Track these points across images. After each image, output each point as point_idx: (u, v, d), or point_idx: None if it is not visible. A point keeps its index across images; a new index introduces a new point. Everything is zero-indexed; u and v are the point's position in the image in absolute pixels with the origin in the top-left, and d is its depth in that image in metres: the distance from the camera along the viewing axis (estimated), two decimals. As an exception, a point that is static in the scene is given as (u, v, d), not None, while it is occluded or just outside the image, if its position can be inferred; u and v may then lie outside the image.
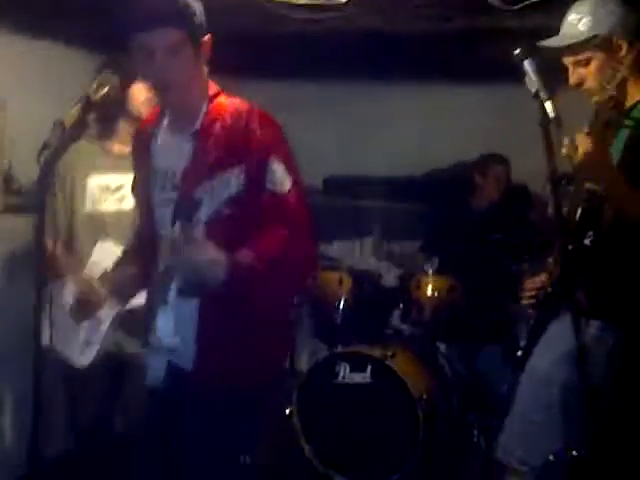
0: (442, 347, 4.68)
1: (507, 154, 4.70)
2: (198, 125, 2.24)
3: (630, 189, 2.39)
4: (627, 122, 2.50)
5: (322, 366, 4.27)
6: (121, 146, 3.15)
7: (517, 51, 2.39)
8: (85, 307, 3.10)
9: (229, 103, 2.27)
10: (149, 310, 2.36)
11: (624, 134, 2.51)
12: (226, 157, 2.19)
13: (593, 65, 2.57)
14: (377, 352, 4.19)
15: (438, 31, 3.91)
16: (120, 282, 2.56)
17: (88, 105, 2.03)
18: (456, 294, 4.39)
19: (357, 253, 5.23)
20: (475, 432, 4.16)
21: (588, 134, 2.40)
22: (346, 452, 4.14)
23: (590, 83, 2.59)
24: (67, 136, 1.97)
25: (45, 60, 3.87)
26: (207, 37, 2.20)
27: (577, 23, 2.57)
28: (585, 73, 2.60)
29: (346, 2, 3.41)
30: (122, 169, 2.92)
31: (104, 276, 2.83)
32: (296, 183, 2.22)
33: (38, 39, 3.82)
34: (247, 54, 4.84)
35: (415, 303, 4.46)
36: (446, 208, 4.86)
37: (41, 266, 2.00)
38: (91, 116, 2.07)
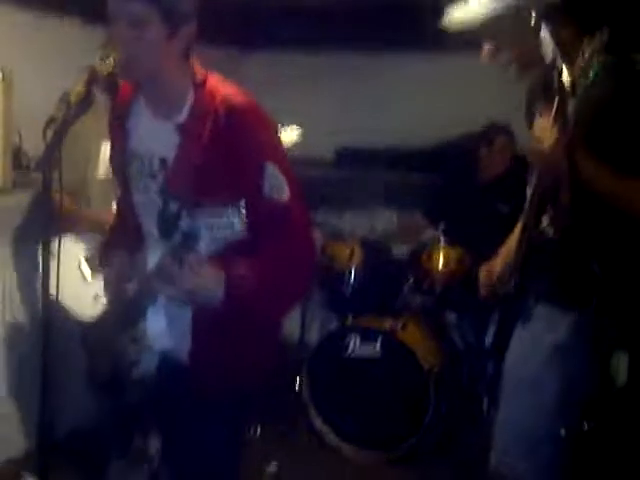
0: (452, 318, 4.67)
1: (514, 124, 4.65)
2: (185, 116, 2.10)
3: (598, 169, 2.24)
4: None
5: (332, 338, 4.29)
6: None
7: (532, 22, 2.35)
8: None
9: (221, 93, 2.09)
10: (136, 305, 2.24)
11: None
12: (217, 160, 2.04)
13: (506, 36, 2.45)
14: (387, 324, 4.20)
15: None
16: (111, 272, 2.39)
17: (93, 78, 1.99)
18: (466, 265, 4.37)
19: (368, 224, 5.20)
20: (485, 402, 4.16)
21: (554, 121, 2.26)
22: (356, 423, 4.16)
23: (504, 54, 2.49)
24: (73, 110, 1.94)
25: (52, 33, 3.85)
26: (190, 26, 2.05)
27: None
28: (495, 47, 2.49)
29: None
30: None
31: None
32: (294, 187, 2.08)
33: (45, 12, 3.79)
34: (255, 25, 4.82)
35: (426, 274, 4.45)
36: (453, 179, 4.83)
37: (47, 226, 1.96)
38: (97, 88, 2.04)
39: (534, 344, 2.44)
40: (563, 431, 2.39)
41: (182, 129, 2.10)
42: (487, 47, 2.48)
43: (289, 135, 3.36)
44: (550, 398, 2.40)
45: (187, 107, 2.10)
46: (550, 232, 2.37)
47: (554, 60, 2.25)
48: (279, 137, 2.20)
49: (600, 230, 2.34)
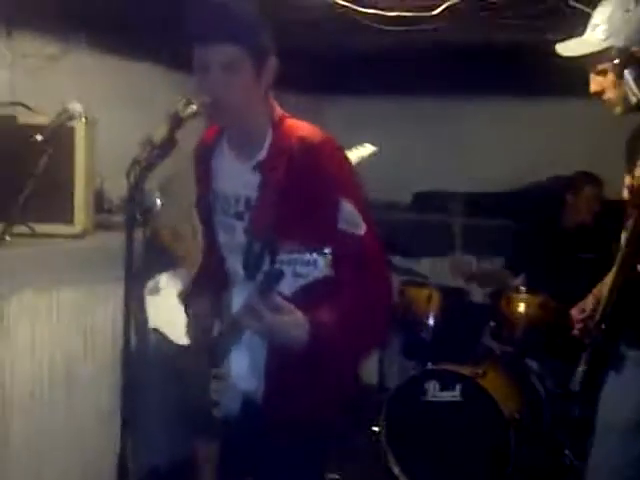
0: (534, 364, 4.58)
1: (602, 169, 4.58)
2: (264, 155, 2.11)
3: None
4: None
5: (411, 384, 4.24)
6: None
7: (616, 61, 2.31)
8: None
9: (297, 130, 2.10)
10: (220, 346, 2.24)
11: None
12: (294, 198, 2.04)
13: (609, 77, 2.37)
14: (467, 370, 4.13)
15: (531, 43, 3.84)
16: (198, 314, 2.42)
17: (177, 122, 2.04)
18: (548, 311, 4.29)
19: (446, 270, 5.16)
20: (567, 453, 4.05)
21: None
22: (435, 471, 4.09)
23: (609, 94, 2.40)
24: (156, 152, 1.99)
25: (136, 78, 3.95)
26: (272, 59, 2.08)
27: (594, 30, 2.38)
28: (604, 83, 2.41)
29: (436, 15, 3.38)
30: None
31: None
32: (370, 225, 2.05)
33: (129, 58, 3.91)
34: (334, 69, 4.87)
35: (506, 320, 4.38)
36: (536, 224, 4.76)
37: (130, 271, 1.99)
38: (180, 132, 2.08)
39: (627, 390, 2.40)
40: None
41: (262, 168, 2.11)
42: (596, 80, 2.44)
43: (363, 152, 3.38)
44: None
45: (266, 145, 2.12)
46: None
47: (638, 103, 2.21)
48: (355, 174, 2.17)
49: None
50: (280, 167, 2.07)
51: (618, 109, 2.42)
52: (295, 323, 1.96)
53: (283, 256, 1.88)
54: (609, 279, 2.47)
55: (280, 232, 1.98)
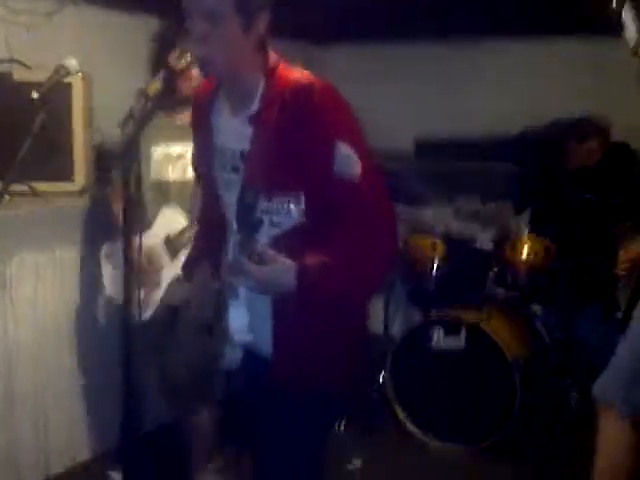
0: (538, 310, 4.60)
1: (607, 111, 4.52)
2: (256, 107, 2.07)
3: None
4: None
5: (416, 331, 4.27)
6: (183, 116, 3.17)
7: (614, 3, 2.26)
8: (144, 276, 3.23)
9: (290, 78, 2.06)
10: (219, 299, 2.26)
11: None
12: (287, 146, 2.00)
13: None
14: (471, 316, 4.15)
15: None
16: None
17: (171, 74, 2.02)
18: (551, 256, 4.29)
19: (450, 217, 5.15)
20: (573, 396, 4.09)
21: None
22: (441, 417, 4.13)
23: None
24: (151, 106, 1.97)
25: (131, 32, 3.91)
26: (264, 13, 2.02)
27: None
28: None
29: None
30: (184, 139, 2.93)
31: (167, 240, 3.21)
32: (369, 167, 2.01)
33: (123, 11, 3.87)
34: (334, 17, 4.81)
35: (510, 266, 4.39)
36: (540, 168, 4.73)
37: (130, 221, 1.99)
38: (173, 85, 2.06)
39: None
40: None
41: (254, 120, 2.08)
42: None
43: None
44: None
45: (258, 96, 2.08)
46: None
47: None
48: (352, 116, 2.09)
49: None
50: (273, 116, 2.04)
51: None
52: (281, 269, 1.95)
53: (262, 205, 1.88)
54: None
55: (274, 182, 1.97)
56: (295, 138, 2.01)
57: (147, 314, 3.26)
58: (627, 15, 2.20)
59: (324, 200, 1.92)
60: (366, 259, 2.03)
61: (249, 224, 1.90)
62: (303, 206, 1.85)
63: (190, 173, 2.82)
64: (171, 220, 3.31)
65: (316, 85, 2.03)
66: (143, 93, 1.98)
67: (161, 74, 2.01)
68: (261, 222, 1.87)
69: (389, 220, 2.12)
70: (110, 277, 3.40)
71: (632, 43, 2.14)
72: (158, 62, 3.15)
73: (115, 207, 3.38)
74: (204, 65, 2.02)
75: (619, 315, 2.74)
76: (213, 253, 2.36)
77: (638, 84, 2.31)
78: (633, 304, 2.66)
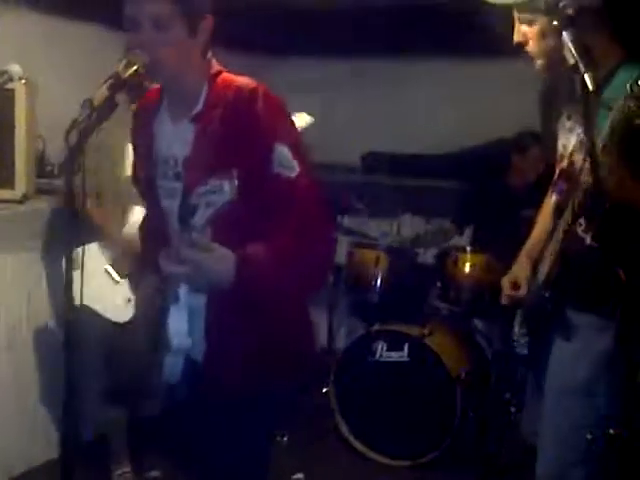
0: (480, 325, 4.64)
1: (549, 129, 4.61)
2: (198, 109, 2.10)
3: None
4: (607, 101, 2.21)
5: (359, 344, 4.28)
6: None
7: (554, 22, 2.27)
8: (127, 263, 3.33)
9: (232, 82, 2.10)
10: (161, 307, 2.22)
11: (604, 115, 2.22)
12: (227, 144, 2.04)
13: (535, 28, 2.37)
14: (414, 330, 4.18)
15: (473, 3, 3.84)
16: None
17: (117, 83, 2.00)
18: (493, 271, 4.34)
19: (394, 231, 5.19)
20: (512, 410, 4.13)
21: (604, 148, 2.17)
22: (383, 430, 4.14)
23: (533, 46, 2.40)
24: (96, 115, 1.95)
25: (76, 39, 3.87)
26: (207, 18, 2.06)
27: None
28: (529, 34, 2.40)
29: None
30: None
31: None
32: (305, 169, 2.06)
33: (69, 19, 3.82)
34: (283, 31, 4.82)
35: (452, 281, 4.43)
36: (482, 185, 4.80)
37: (71, 233, 1.95)
38: (120, 95, 2.04)
39: (583, 354, 2.40)
40: (590, 435, 2.35)
41: (196, 121, 2.10)
42: (521, 30, 2.43)
43: (299, 121, 3.38)
44: (599, 406, 2.37)
45: (201, 100, 2.11)
46: (587, 240, 2.32)
47: (576, 65, 2.21)
48: (291, 120, 2.15)
49: (627, 238, 2.31)
50: (215, 119, 2.07)
51: (540, 62, 2.42)
52: (220, 258, 1.95)
53: (197, 190, 1.90)
54: (551, 250, 2.47)
55: (210, 170, 1.97)
56: (237, 139, 2.04)
57: (127, 314, 3.31)
58: (567, 35, 2.25)
59: (262, 195, 1.95)
60: (303, 256, 2.04)
61: (185, 212, 1.91)
62: (236, 183, 1.86)
63: None
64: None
65: (258, 89, 2.06)
66: (88, 103, 1.95)
67: (107, 83, 1.99)
68: (196, 207, 1.88)
69: (325, 221, 2.16)
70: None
71: (572, 60, 2.19)
72: None
73: (94, 215, 3.40)
74: (152, 71, 2.02)
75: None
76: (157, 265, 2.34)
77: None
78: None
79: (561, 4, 2.24)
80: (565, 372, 2.45)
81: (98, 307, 3.33)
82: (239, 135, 2.04)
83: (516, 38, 2.45)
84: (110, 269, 3.42)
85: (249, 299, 2.04)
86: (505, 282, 2.74)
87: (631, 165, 2.20)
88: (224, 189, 1.87)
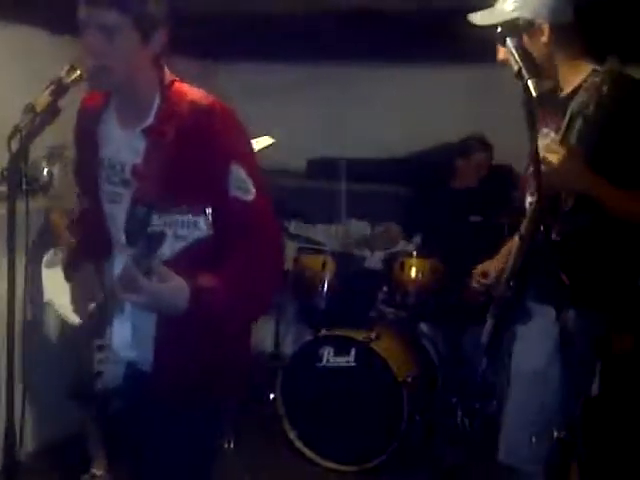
0: (426, 329, 4.68)
1: (491, 134, 4.67)
2: (151, 120, 2.08)
3: (615, 190, 2.32)
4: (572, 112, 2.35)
5: (306, 350, 4.28)
6: None
7: (499, 30, 2.40)
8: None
9: (187, 95, 2.08)
10: (103, 315, 2.21)
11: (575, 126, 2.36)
12: (183, 164, 2.02)
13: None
14: (361, 335, 4.19)
15: (420, 10, 3.87)
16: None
17: (60, 89, 1.97)
18: (439, 276, 4.38)
19: (341, 236, 5.20)
20: (459, 414, 4.15)
21: (561, 142, 2.32)
22: (330, 436, 4.15)
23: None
24: (38, 120, 1.92)
25: (17, 42, 3.80)
26: (161, 30, 2.03)
27: (504, 1, 2.49)
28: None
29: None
30: None
31: None
32: (262, 191, 2.05)
33: (10, 21, 3.75)
34: (231, 36, 4.80)
35: (398, 286, 4.45)
36: (427, 190, 4.84)
37: (12, 244, 1.91)
38: (63, 100, 2.01)
39: (535, 341, 2.52)
40: (534, 439, 2.46)
41: (149, 133, 2.08)
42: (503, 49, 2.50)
43: (261, 143, 3.38)
44: (554, 394, 2.47)
45: (154, 111, 2.09)
46: (550, 237, 2.40)
47: (520, 71, 2.27)
48: (247, 139, 2.16)
49: (589, 234, 2.43)
50: (169, 132, 2.04)
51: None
52: (175, 289, 1.93)
53: (164, 218, 1.85)
54: (514, 244, 2.59)
55: (165, 195, 1.95)
56: (192, 157, 2.02)
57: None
58: (511, 42, 2.31)
59: (218, 219, 1.90)
60: (256, 281, 2.05)
61: (148, 239, 1.86)
62: (211, 219, 1.84)
63: None
64: None
65: (216, 107, 2.05)
66: (31, 108, 1.92)
67: (49, 88, 1.96)
68: (163, 235, 1.83)
69: (277, 242, 2.19)
70: (52, 283, 3.47)
71: (516, 67, 2.25)
72: None
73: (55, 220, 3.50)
74: (97, 76, 2.00)
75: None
76: (94, 264, 2.30)
77: (522, 108, 2.44)
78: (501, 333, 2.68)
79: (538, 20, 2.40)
80: (524, 360, 2.57)
81: (57, 306, 3.41)
82: (195, 155, 2.02)
83: (499, 57, 2.53)
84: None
85: (199, 322, 2.03)
86: (476, 271, 2.92)
87: (589, 156, 2.30)
88: (199, 225, 1.84)
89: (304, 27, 4.51)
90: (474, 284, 2.92)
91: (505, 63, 2.48)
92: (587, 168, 2.32)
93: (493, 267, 2.88)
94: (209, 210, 1.83)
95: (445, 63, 5.00)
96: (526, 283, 2.53)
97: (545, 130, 2.51)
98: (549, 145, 2.34)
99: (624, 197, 2.34)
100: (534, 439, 2.47)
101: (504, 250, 2.89)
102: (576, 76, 2.45)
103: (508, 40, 2.33)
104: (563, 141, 2.32)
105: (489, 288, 2.83)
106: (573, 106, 2.29)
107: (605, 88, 2.21)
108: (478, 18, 2.54)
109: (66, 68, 1.99)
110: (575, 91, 2.39)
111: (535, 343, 2.52)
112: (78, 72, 1.97)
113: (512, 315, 2.60)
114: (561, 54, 2.47)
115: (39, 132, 1.93)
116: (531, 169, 2.55)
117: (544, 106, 2.43)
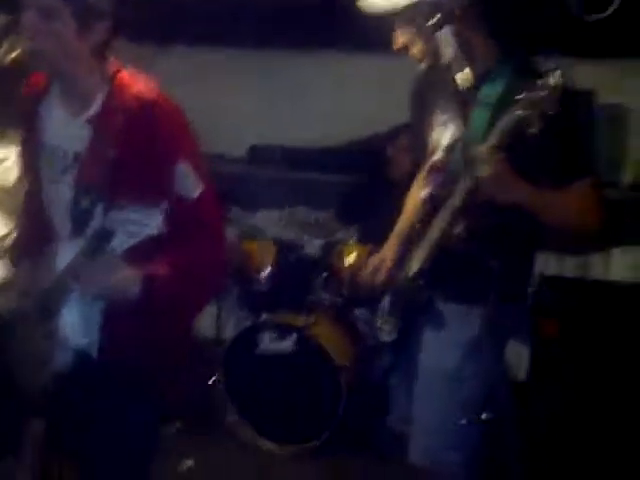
0: (362, 314, 4.73)
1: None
2: (95, 110, 2.09)
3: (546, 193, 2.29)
4: (484, 98, 2.33)
5: (246, 334, 4.31)
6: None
7: (432, 20, 2.33)
8: None
9: (133, 86, 2.10)
10: (48, 302, 2.19)
11: (483, 115, 2.35)
12: (128, 159, 2.04)
13: (412, 32, 2.42)
14: (300, 321, 4.25)
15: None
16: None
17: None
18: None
19: (281, 222, 5.24)
20: (395, 396, 4.22)
21: (492, 148, 2.26)
22: (270, 418, 4.20)
23: (414, 50, 2.45)
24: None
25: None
26: (103, 23, 2.04)
27: None
28: (407, 39, 2.45)
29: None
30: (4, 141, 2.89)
31: None
32: (206, 185, 2.10)
33: None
34: (171, 20, 4.80)
35: (336, 271, 4.51)
36: (364, 179, 4.90)
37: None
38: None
39: (451, 342, 2.50)
40: (464, 420, 2.43)
41: (93, 123, 2.09)
42: (401, 36, 2.46)
43: None
44: (469, 392, 2.47)
45: (98, 102, 2.10)
46: (462, 236, 2.40)
47: (452, 61, 2.29)
48: (191, 134, 2.17)
49: (500, 232, 2.42)
50: (113, 123, 2.06)
51: (424, 64, 2.50)
52: (126, 280, 1.99)
53: (115, 214, 1.88)
54: (426, 241, 2.53)
55: (112, 190, 1.98)
56: (136, 152, 2.04)
57: None
58: (444, 33, 2.31)
59: (165, 214, 1.95)
60: (202, 273, 2.13)
61: (98, 235, 1.89)
62: (163, 216, 1.88)
63: (12, 177, 2.72)
64: None
65: (160, 101, 2.08)
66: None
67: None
68: (112, 234, 1.87)
69: (221, 231, 2.25)
70: None
71: (447, 58, 2.26)
72: None
73: None
74: (34, 57, 2.03)
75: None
76: (35, 251, 2.31)
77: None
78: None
79: (443, 3, 2.31)
80: (434, 359, 2.54)
81: None
82: (140, 149, 2.04)
83: (396, 45, 2.49)
84: None
85: (146, 309, 2.07)
86: (370, 262, 2.81)
87: (515, 166, 2.28)
88: (151, 224, 1.88)
89: (243, 11, 4.53)
90: (365, 280, 2.80)
91: (404, 52, 2.46)
92: (519, 179, 2.29)
93: (390, 257, 2.75)
94: (162, 208, 1.88)
95: (378, 51, 5.04)
96: (435, 282, 2.49)
97: (443, 117, 2.50)
98: (481, 153, 2.28)
99: (557, 199, 2.32)
100: (464, 422, 2.42)
101: (395, 235, 2.82)
102: (483, 59, 2.40)
103: (444, 29, 2.29)
104: (493, 151, 2.27)
105: (387, 282, 2.70)
106: (508, 120, 2.24)
107: (548, 106, 2.17)
108: (372, 5, 2.44)
109: (4, 48, 1.99)
110: (483, 76, 2.36)
111: (447, 346, 2.49)
112: (17, 52, 1.98)
113: (421, 317, 2.57)
114: (465, 37, 2.37)
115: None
116: (436, 161, 2.54)
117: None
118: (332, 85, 5.28)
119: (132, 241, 1.90)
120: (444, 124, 2.50)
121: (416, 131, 2.60)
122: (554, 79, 2.19)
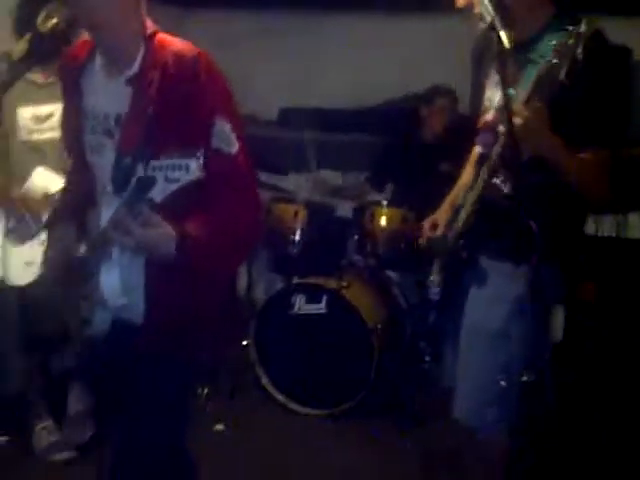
0: (395, 277, 4.74)
1: (456, 85, 4.69)
2: (136, 69, 2.11)
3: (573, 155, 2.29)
4: (534, 57, 2.33)
5: (278, 298, 4.33)
6: (46, 75, 3.19)
7: None
8: (22, 229, 3.25)
9: (171, 45, 2.11)
10: (88, 263, 2.22)
11: (533, 72, 2.33)
12: (168, 114, 2.05)
13: None
14: (332, 283, 4.25)
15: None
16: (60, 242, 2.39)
17: (36, 37, 1.98)
18: (409, 224, 4.43)
19: (312, 185, 5.23)
20: (427, 359, 4.25)
21: (526, 103, 2.27)
22: (302, 381, 4.22)
23: (478, 8, 2.35)
24: (15, 68, 1.94)
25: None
26: None
27: None
28: None
29: None
30: (51, 98, 2.94)
31: (44, 199, 3.16)
32: (243, 144, 2.10)
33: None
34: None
35: (368, 234, 4.51)
36: (395, 140, 4.87)
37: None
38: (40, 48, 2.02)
39: (496, 299, 2.49)
40: (504, 382, 2.44)
41: (133, 82, 2.10)
42: None
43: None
44: (511, 351, 2.45)
45: (138, 60, 2.11)
46: (504, 190, 2.38)
47: (493, 22, 2.27)
48: (230, 92, 2.17)
49: (541, 191, 2.38)
50: (153, 82, 2.07)
51: (482, 24, 2.38)
52: (163, 236, 1.99)
53: (155, 162, 1.88)
54: (471, 199, 2.53)
55: (152, 144, 1.98)
56: (177, 108, 2.04)
57: (28, 277, 3.24)
58: None
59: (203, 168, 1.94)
60: (238, 230, 2.13)
61: (139, 183, 1.89)
62: (202, 162, 1.87)
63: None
64: (46, 179, 3.27)
65: (201, 58, 2.07)
66: (7, 56, 1.93)
67: (27, 36, 1.97)
68: (152, 181, 1.87)
69: (256, 193, 2.23)
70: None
71: (489, 18, 2.24)
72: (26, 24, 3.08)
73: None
74: (97, 33, 2.04)
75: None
76: (78, 216, 2.34)
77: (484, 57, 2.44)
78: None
79: None
80: (479, 317, 2.54)
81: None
82: (180, 106, 2.04)
83: (460, 2, 2.49)
84: (6, 237, 3.37)
85: (185, 269, 2.09)
86: (425, 224, 2.84)
87: (551, 117, 2.27)
88: (190, 168, 1.86)
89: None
90: (422, 239, 2.83)
91: (464, 9, 2.45)
92: (551, 132, 2.28)
93: (442, 219, 2.76)
94: (200, 153, 1.87)
95: (412, 12, 4.99)
96: (480, 240, 2.50)
97: (497, 77, 2.43)
98: (515, 104, 2.27)
99: (582, 164, 2.31)
100: (503, 383, 2.42)
101: (448, 200, 2.83)
102: (534, 23, 2.41)
103: None
104: (529, 101, 2.28)
105: (436, 241, 2.74)
106: (541, 68, 2.26)
107: (579, 54, 2.17)
108: None
109: (42, 16, 1.99)
110: (534, 40, 2.37)
111: (492, 303, 2.49)
112: (54, 20, 1.98)
113: (465, 274, 2.57)
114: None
115: (16, 80, 1.95)
116: (487, 120, 2.55)
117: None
118: (363, 46, 5.23)
119: (172, 187, 1.88)
120: (497, 84, 2.48)
121: (475, 91, 2.57)
122: (584, 27, 2.20)
